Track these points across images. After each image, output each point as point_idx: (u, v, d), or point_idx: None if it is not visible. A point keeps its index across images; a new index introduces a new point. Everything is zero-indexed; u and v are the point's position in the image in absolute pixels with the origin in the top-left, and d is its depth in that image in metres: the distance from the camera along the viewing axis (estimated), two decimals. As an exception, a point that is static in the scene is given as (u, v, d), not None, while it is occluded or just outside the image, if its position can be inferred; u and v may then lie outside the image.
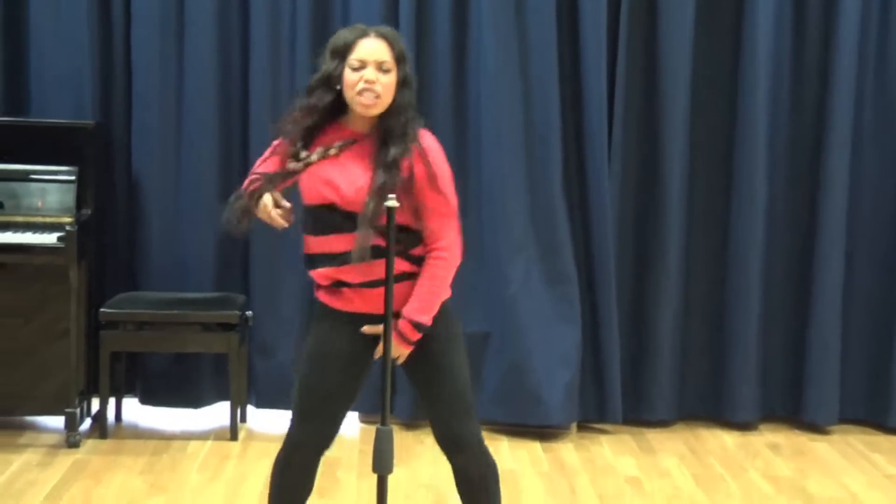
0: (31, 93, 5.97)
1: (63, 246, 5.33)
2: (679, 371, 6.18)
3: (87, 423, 5.84)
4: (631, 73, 5.98)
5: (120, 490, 4.99)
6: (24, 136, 5.68)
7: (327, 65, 3.59)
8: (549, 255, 5.89)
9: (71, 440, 5.49)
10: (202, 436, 5.81)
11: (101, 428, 5.69)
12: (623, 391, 6.03)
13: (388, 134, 3.60)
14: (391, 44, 3.59)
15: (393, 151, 3.56)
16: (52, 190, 5.60)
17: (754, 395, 6.12)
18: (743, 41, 5.99)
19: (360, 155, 3.54)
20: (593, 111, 5.87)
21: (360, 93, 3.51)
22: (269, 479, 3.82)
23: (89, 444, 5.59)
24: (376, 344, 3.54)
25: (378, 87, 3.53)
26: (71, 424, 5.50)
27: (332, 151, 3.55)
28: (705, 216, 6.17)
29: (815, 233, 6.11)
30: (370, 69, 3.52)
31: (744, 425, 6.15)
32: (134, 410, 6.10)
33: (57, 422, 5.70)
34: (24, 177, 5.59)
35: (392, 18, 5.78)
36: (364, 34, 3.59)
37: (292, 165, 3.56)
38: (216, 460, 5.44)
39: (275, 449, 5.00)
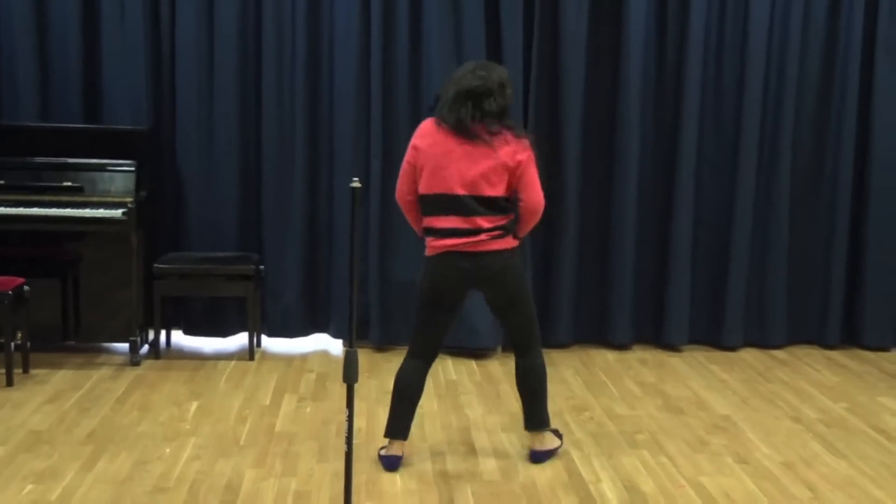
0: (104, 107, 6.14)
1: (126, 218, 5.63)
2: (574, 308, 6.45)
3: (145, 348, 6.13)
4: (539, 83, 6.17)
5: (169, 395, 5.28)
6: (99, 137, 5.94)
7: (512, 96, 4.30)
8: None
9: (133, 360, 5.78)
10: (228, 356, 6.06)
11: (155, 351, 5.98)
12: (535, 322, 6.40)
13: None
14: None
15: None
16: (118, 178, 5.81)
17: (629, 325, 6.45)
18: (620, 55, 6.20)
19: None
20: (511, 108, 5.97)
21: None
22: (544, 383, 4.43)
23: (147, 363, 5.86)
24: None
25: None
26: (133, 349, 5.79)
27: None
28: (593, 190, 6.37)
29: (672, 201, 6.35)
30: None
31: (621, 346, 6.47)
32: (179, 339, 6.37)
33: (123, 347, 5.99)
34: (99, 168, 5.83)
35: (365, 56, 6.04)
36: None
37: None
38: (238, 374, 5.70)
39: (282, 366, 5.68)
